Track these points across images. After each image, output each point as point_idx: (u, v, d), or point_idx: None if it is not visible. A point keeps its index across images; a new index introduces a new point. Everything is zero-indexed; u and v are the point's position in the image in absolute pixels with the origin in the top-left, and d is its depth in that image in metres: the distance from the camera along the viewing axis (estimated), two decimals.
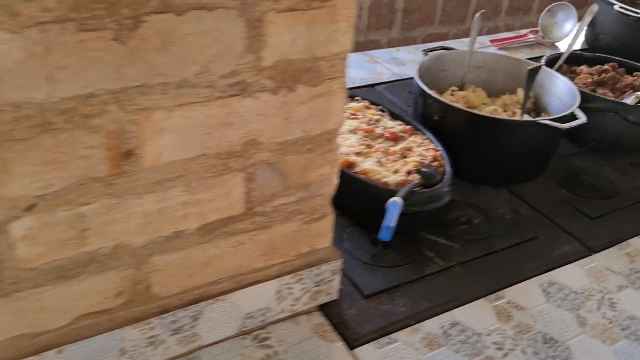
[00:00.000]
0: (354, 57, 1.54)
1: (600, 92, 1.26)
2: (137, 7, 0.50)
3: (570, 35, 1.67)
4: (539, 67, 1.08)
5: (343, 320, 0.80)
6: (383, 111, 1.13)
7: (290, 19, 0.59)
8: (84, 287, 0.62)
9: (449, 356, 0.77)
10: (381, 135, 1.05)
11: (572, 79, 1.30)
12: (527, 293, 0.88)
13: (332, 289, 0.80)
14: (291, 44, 0.60)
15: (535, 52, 1.67)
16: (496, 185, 1.11)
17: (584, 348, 0.80)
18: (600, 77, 1.30)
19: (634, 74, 1.32)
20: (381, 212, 0.85)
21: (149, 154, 0.58)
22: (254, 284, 0.73)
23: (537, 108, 1.22)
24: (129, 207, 0.60)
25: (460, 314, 0.83)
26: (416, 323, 0.81)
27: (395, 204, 0.84)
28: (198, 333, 0.72)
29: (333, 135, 0.69)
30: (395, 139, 1.04)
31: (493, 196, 1.08)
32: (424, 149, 1.01)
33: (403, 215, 0.86)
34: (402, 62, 1.54)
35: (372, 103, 1.14)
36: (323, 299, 0.80)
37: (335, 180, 0.73)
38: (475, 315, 0.83)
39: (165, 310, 0.68)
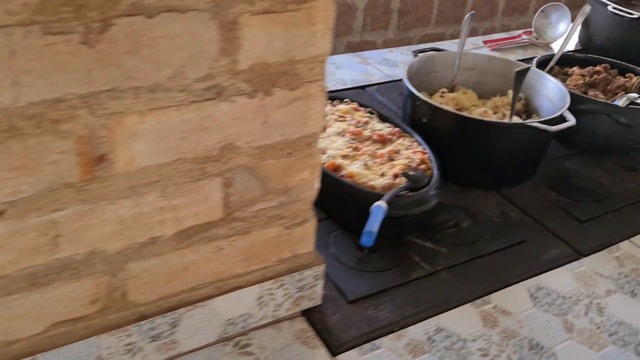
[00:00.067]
0: (345, 58, 1.53)
1: (591, 93, 1.25)
2: (106, 10, 0.49)
3: (564, 36, 1.66)
4: (527, 69, 1.07)
5: (326, 326, 0.79)
6: (372, 113, 1.11)
7: (266, 22, 0.58)
8: (58, 294, 0.61)
9: None
10: (369, 138, 1.04)
11: (563, 80, 1.29)
12: (514, 298, 0.87)
13: (315, 295, 0.79)
14: (267, 46, 0.59)
15: (529, 53, 1.66)
16: (485, 188, 1.09)
17: (571, 354, 0.79)
18: (592, 78, 1.29)
19: (627, 75, 1.30)
20: (367, 216, 0.84)
21: (122, 159, 0.57)
22: (235, 290, 0.72)
23: (528, 110, 1.21)
24: (103, 213, 0.59)
25: (445, 319, 0.82)
26: (400, 329, 0.80)
27: (379, 208, 0.83)
28: (177, 340, 0.71)
29: (313, 139, 0.68)
30: (383, 141, 1.03)
31: (482, 199, 1.07)
32: (411, 152, 1.00)
33: (389, 219, 0.84)
34: (394, 64, 1.53)
35: (361, 105, 1.13)
36: (306, 305, 0.79)
37: (316, 185, 0.72)
38: (461, 320, 0.82)
39: (142, 317, 0.67)
